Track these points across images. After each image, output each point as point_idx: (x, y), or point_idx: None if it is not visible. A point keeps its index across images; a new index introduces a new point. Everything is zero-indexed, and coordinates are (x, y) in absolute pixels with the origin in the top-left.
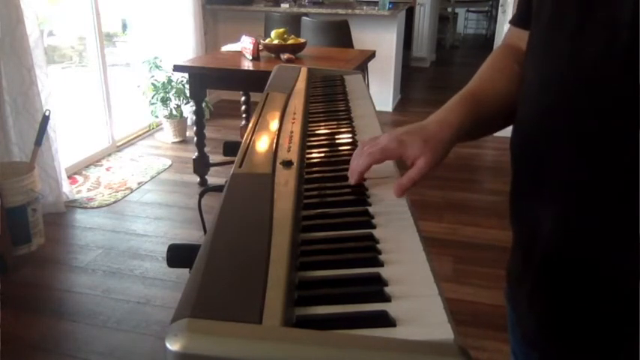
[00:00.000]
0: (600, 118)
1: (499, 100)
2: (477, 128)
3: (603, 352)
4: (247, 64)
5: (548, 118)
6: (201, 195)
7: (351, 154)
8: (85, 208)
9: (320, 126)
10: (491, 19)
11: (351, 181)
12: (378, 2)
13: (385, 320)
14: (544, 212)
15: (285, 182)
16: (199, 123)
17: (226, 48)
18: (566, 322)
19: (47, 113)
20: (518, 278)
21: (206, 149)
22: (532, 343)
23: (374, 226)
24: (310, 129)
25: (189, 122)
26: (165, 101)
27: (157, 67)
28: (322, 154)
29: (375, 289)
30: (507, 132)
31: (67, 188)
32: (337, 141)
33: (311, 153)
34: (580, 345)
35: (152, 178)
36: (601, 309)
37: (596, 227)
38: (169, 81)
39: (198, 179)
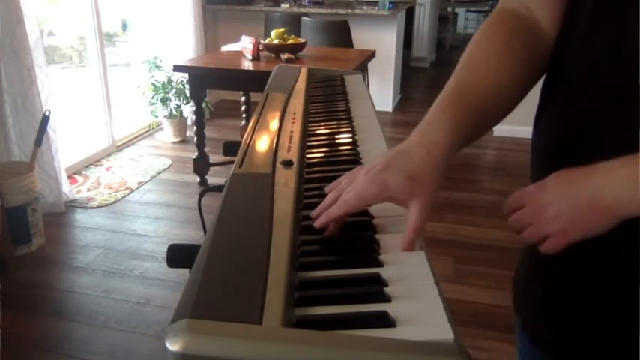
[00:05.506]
0: None
1: (498, 95)
2: (473, 135)
3: (617, 352)
4: (247, 64)
5: (592, 123)
6: (201, 195)
7: (351, 154)
8: (85, 208)
9: (320, 126)
10: None
11: (317, 224)
12: (378, 2)
13: (385, 320)
14: None
15: (285, 182)
16: (199, 123)
17: (226, 48)
18: (581, 325)
19: (47, 113)
20: (528, 283)
21: (206, 149)
22: (543, 346)
23: (374, 227)
24: (310, 129)
25: (189, 122)
26: (165, 101)
27: (157, 67)
28: (322, 154)
29: (375, 289)
30: (508, 132)
31: (67, 188)
32: (337, 141)
33: (311, 153)
34: (594, 347)
35: (152, 178)
36: (617, 310)
37: (629, 233)
38: (169, 81)
39: (198, 179)
